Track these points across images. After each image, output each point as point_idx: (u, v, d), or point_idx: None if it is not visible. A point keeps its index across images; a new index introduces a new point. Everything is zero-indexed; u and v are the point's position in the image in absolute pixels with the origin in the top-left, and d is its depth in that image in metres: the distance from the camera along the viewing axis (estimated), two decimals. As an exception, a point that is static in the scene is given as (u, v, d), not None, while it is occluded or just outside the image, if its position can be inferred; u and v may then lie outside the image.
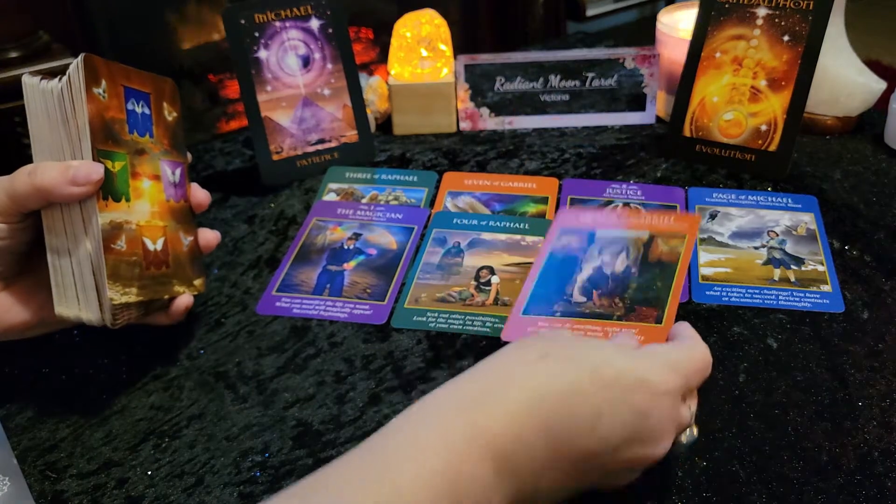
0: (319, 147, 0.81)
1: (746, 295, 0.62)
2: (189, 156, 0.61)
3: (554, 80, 0.87)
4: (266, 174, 0.79)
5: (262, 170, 0.79)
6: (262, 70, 0.77)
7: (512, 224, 0.71)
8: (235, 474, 0.50)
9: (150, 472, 0.51)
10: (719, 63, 0.76)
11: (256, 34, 0.76)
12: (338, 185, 0.79)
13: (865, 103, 0.82)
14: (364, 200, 0.77)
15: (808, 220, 0.70)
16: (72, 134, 0.50)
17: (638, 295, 0.56)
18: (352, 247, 0.70)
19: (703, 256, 0.67)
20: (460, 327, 0.61)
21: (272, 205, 0.77)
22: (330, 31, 0.79)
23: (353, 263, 0.69)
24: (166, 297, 0.56)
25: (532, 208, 0.74)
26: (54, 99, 0.49)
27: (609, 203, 0.74)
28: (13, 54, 1.11)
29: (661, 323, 0.54)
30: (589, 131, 0.87)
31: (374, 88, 0.90)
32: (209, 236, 0.61)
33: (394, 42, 0.87)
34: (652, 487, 0.47)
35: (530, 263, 0.67)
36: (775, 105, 0.75)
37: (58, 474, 0.51)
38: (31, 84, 0.50)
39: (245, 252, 0.72)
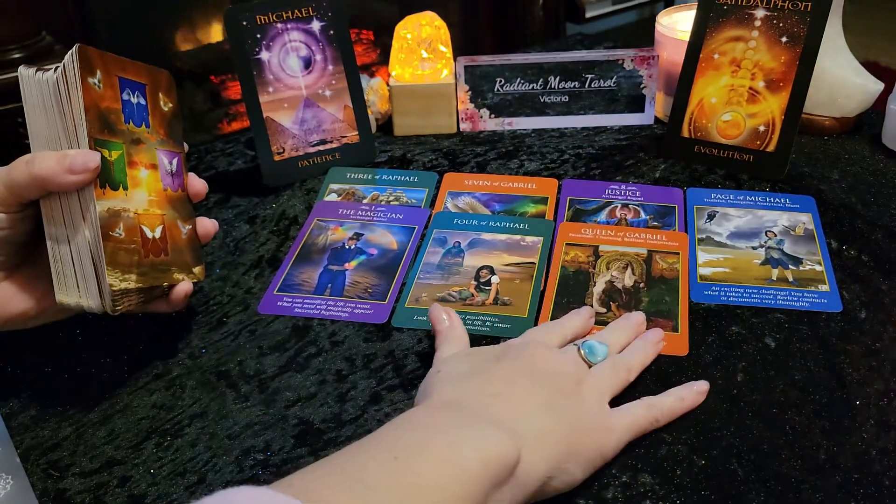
0: (321, 148, 0.81)
1: (745, 295, 0.63)
2: (185, 146, 0.61)
3: (553, 81, 0.87)
4: (268, 175, 0.80)
5: (263, 170, 0.79)
6: (263, 71, 0.77)
7: (512, 224, 0.72)
8: (237, 473, 0.51)
9: (152, 471, 0.51)
10: (718, 64, 0.77)
11: (258, 36, 0.77)
12: (339, 185, 0.79)
13: (863, 104, 0.82)
14: (365, 201, 0.77)
15: (805, 221, 0.70)
16: (68, 124, 0.50)
17: (651, 308, 0.62)
18: (353, 247, 0.71)
19: (702, 256, 0.67)
20: (460, 327, 0.61)
21: (273, 205, 0.77)
22: (331, 32, 0.79)
23: (354, 263, 0.69)
24: (166, 284, 0.57)
25: (532, 209, 0.74)
26: (50, 89, 0.50)
27: (608, 204, 0.74)
28: (16, 55, 1.11)
29: (677, 331, 0.60)
30: (588, 132, 0.88)
31: (374, 90, 0.90)
32: (207, 225, 0.62)
33: (395, 44, 0.88)
34: (651, 486, 0.48)
35: (530, 263, 0.67)
36: (773, 106, 0.75)
37: (60, 473, 0.52)
38: (27, 75, 0.51)
39: (247, 252, 0.72)
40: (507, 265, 0.67)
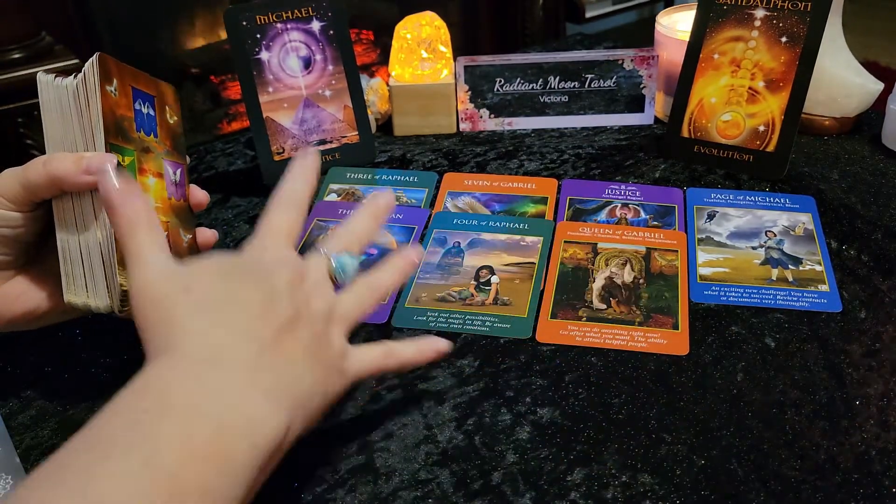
0: (321, 148, 0.81)
1: (744, 295, 0.63)
2: (188, 158, 0.62)
3: (553, 81, 0.87)
4: (268, 175, 0.80)
5: (263, 170, 0.79)
6: (263, 71, 0.77)
7: (512, 224, 0.72)
8: (237, 472, 0.51)
9: (152, 471, 0.51)
10: (718, 64, 0.77)
11: (258, 36, 0.77)
12: (339, 185, 0.79)
13: (863, 104, 0.82)
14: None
15: (805, 221, 0.70)
16: (85, 128, 0.51)
17: (651, 304, 0.61)
18: (352, 247, 0.71)
19: (702, 256, 0.67)
20: (460, 327, 0.61)
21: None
22: (331, 32, 0.79)
23: (353, 263, 0.69)
24: None
25: (531, 208, 0.74)
26: (69, 94, 0.51)
27: (608, 203, 0.74)
28: (16, 55, 1.11)
29: (678, 329, 0.59)
30: (588, 132, 0.88)
31: (374, 90, 0.90)
32: (207, 235, 0.62)
33: (394, 44, 0.88)
34: (651, 486, 0.48)
35: (530, 263, 0.67)
36: (773, 106, 0.75)
37: (61, 472, 0.52)
38: (46, 81, 0.52)
39: (246, 252, 0.72)
40: (506, 265, 0.67)
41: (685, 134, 0.79)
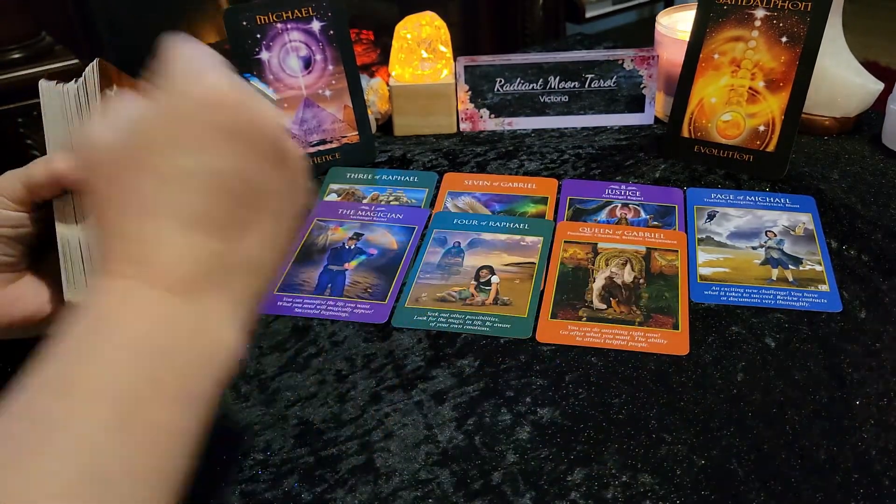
0: (321, 148, 0.81)
1: (745, 295, 0.63)
2: None
3: (553, 81, 0.87)
4: (267, 175, 0.80)
5: (263, 170, 0.79)
6: (263, 71, 0.77)
7: (512, 224, 0.72)
8: (237, 473, 0.51)
9: (152, 471, 0.51)
10: (718, 64, 0.77)
11: (258, 36, 0.77)
12: (339, 185, 0.79)
13: (863, 104, 0.82)
14: (365, 201, 0.77)
15: (805, 221, 0.70)
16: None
17: (651, 304, 0.62)
18: (353, 247, 0.71)
19: (702, 256, 0.67)
20: (460, 327, 0.61)
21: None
22: (331, 32, 0.79)
23: (354, 263, 0.69)
24: None
25: (531, 208, 0.74)
26: (70, 98, 0.52)
27: (608, 203, 0.74)
28: (16, 55, 1.11)
29: (678, 329, 0.60)
30: (588, 132, 0.88)
31: (374, 90, 0.90)
32: None
33: (394, 44, 0.88)
34: (651, 486, 0.48)
35: (530, 263, 0.67)
36: (773, 106, 0.75)
37: (61, 472, 0.52)
38: (48, 87, 0.54)
39: (246, 252, 0.72)
40: (506, 265, 0.67)
41: (685, 134, 0.79)
